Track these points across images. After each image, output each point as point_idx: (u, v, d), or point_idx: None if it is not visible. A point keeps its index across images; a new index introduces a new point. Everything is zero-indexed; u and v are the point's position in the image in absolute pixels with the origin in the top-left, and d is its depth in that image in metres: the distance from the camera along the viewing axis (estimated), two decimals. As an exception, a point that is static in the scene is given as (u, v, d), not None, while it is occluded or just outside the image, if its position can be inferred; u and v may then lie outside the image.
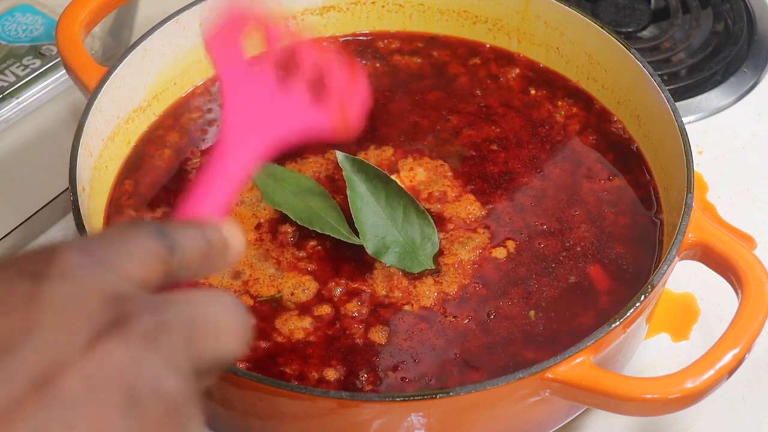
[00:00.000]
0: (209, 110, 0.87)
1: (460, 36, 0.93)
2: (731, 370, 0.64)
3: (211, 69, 0.89)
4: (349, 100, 0.60)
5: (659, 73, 0.89)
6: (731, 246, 0.70)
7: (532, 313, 0.74)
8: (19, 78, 0.94)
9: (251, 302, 0.74)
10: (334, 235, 0.76)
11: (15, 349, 0.33)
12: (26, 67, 0.95)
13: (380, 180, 0.78)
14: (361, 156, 0.82)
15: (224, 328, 0.41)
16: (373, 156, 0.83)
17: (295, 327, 0.73)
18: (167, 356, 0.37)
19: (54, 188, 0.88)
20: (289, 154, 0.83)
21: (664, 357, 0.81)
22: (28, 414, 0.32)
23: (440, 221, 0.79)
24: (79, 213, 0.71)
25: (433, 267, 0.76)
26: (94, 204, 0.78)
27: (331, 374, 0.70)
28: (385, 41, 0.93)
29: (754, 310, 0.66)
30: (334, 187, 0.81)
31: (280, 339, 0.72)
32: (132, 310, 0.36)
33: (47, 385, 0.33)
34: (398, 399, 0.63)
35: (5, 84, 0.94)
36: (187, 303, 0.40)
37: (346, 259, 0.76)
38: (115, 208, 0.80)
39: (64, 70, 0.84)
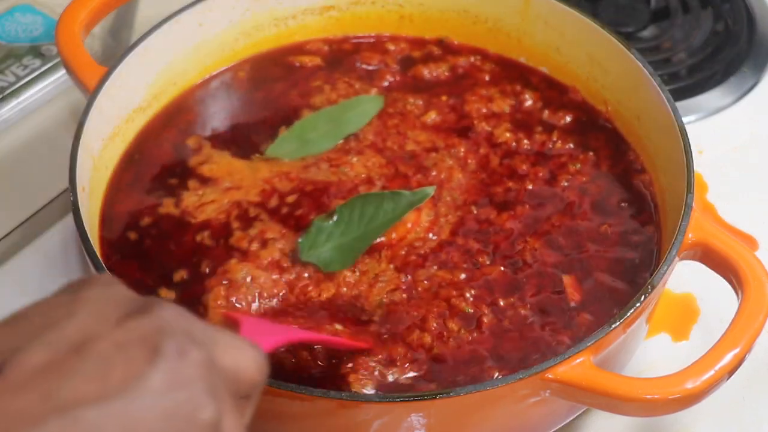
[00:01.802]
0: (208, 106, 0.87)
1: (460, 35, 0.93)
2: (731, 370, 0.64)
3: (210, 69, 0.89)
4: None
5: (659, 73, 0.88)
6: (731, 246, 0.70)
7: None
8: (19, 78, 0.94)
9: None
10: None
11: (58, 326, 0.41)
12: (26, 67, 0.95)
13: None
14: None
15: (240, 346, 0.47)
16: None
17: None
18: (188, 332, 0.43)
19: (54, 188, 0.88)
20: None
21: (664, 357, 0.81)
22: (67, 368, 0.40)
23: None
24: (79, 213, 0.71)
25: None
26: (94, 204, 0.78)
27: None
28: (385, 40, 0.93)
29: (754, 311, 0.66)
30: None
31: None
32: (156, 302, 0.44)
33: (83, 349, 0.41)
34: (398, 399, 0.63)
35: (5, 84, 0.94)
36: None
37: None
38: (113, 207, 0.80)
39: (64, 70, 0.84)
